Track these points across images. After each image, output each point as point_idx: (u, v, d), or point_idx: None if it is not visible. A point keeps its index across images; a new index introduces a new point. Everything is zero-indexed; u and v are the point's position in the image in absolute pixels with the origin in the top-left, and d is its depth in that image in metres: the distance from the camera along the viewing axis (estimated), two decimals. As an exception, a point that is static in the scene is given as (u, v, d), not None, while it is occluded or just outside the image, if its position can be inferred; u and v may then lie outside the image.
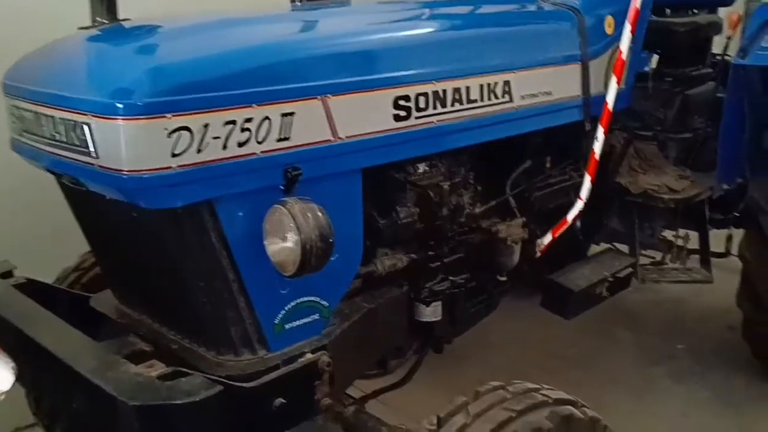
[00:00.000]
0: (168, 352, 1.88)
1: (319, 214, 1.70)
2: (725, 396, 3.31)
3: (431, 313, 2.31)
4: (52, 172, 1.84)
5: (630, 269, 2.89)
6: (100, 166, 1.58)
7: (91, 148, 1.57)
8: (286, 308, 1.86)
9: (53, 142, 1.69)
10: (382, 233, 2.17)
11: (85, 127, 1.57)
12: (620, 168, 3.08)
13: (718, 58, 3.46)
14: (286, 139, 1.72)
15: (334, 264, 1.92)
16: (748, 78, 2.77)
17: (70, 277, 2.50)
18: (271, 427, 1.78)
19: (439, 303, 2.31)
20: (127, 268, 2.00)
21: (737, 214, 3.18)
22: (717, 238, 3.34)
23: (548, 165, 2.73)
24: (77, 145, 1.61)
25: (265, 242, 1.72)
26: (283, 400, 1.78)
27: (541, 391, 1.81)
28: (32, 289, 2.07)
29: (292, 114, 1.72)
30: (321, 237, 1.67)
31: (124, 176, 1.54)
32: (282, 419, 1.79)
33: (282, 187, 1.75)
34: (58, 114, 1.64)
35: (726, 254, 3.38)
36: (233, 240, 1.72)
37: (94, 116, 1.54)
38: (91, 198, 1.76)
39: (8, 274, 2.10)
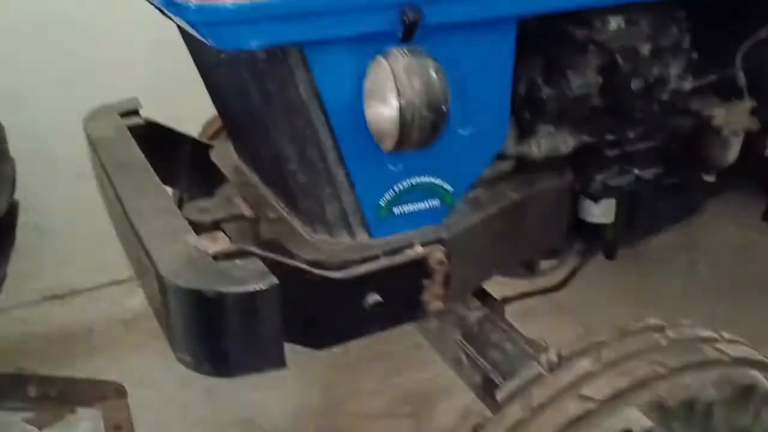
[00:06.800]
0: (266, 221, 1.65)
1: (432, 73, 1.29)
2: None
3: (601, 212, 1.82)
4: None
5: None
6: (169, -9, 1.28)
7: (159, -33, 1.28)
8: (395, 188, 1.50)
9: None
10: (545, 106, 1.69)
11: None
12: None
13: None
14: (403, -34, 1.29)
15: (466, 140, 1.53)
16: None
17: (214, 124, 2.35)
18: (361, 326, 1.50)
19: (613, 201, 1.81)
20: (231, 121, 1.75)
21: None
22: None
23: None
24: (150, -38, 1.33)
25: (365, 105, 1.36)
26: (379, 298, 1.48)
27: (717, 344, 1.31)
28: (151, 132, 1.91)
29: (415, -72, 1.27)
30: (428, 104, 1.27)
31: (192, 6, 1.23)
32: (375, 319, 1.50)
33: (399, 35, 1.35)
34: None
35: None
36: (329, 98, 1.37)
37: None
38: (190, 35, 1.49)
39: (132, 113, 1.96)
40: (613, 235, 1.90)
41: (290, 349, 2.51)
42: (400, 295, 1.52)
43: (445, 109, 1.29)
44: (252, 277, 1.22)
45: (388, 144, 1.32)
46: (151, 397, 2.41)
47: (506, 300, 2.04)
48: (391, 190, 1.50)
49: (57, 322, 2.81)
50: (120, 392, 2.27)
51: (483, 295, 1.95)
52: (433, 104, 1.27)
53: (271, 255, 1.34)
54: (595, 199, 1.80)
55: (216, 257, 1.29)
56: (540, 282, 2.15)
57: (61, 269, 2.93)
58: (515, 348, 1.68)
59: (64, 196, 2.80)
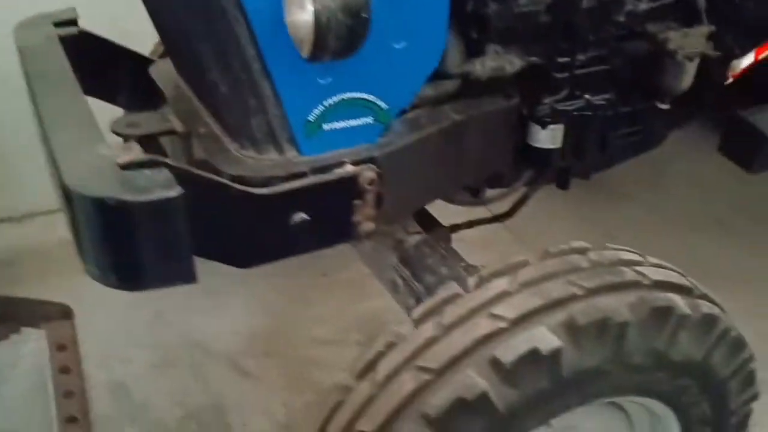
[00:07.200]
0: (196, 137, 1.59)
1: (350, -25, 1.22)
2: None
3: (548, 138, 1.76)
4: None
5: None
6: None
7: None
8: (325, 103, 1.44)
9: None
10: (491, 23, 1.62)
11: None
12: None
13: None
14: None
15: (399, 54, 1.47)
16: None
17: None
18: (287, 245, 1.47)
19: (561, 126, 1.76)
20: (163, 33, 1.68)
21: None
22: None
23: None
24: None
25: (285, 10, 1.29)
26: (306, 217, 1.44)
27: (638, 267, 1.28)
28: (86, 43, 1.83)
29: None
30: (344, 8, 1.21)
31: None
32: (302, 238, 1.46)
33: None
34: None
35: None
36: (250, 3, 1.30)
37: None
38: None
39: (68, 23, 1.87)
40: (561, 163, 1.86)
41: (241, 274, 2.46)
42: (328, 214, 1.48)
43: (364, 15, 1.23)
44: (156, 187, 1.18)
45: (306, 50, 1.26)
46: (99, 319, 2.39)
47: (454, 227, 2.01)
48: (320, 105, 1.45)
49: (10, 244, 2.78)
50: (65, 313, 2.26)
51: (429, 221, 1.92)
52: (350, 8, 1.21)
53: (184, 167, 1.29)
54: (543, 123, 1.75)
55: (126, 167, 1.24)
56: (495, 210, 2.13)
57: (15, 192, 2.87)
58: (451, 272, 1.65)
59: (15, 116, 2.72)
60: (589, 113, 1.78)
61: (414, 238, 1.74)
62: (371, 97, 1.48)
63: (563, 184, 2.02)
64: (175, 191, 1.18)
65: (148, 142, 1.84)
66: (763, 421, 2.16)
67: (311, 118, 1.45)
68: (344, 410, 1.24)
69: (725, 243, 2.80)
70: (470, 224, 2.05)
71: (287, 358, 2.37)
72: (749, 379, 1.39)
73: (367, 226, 1.53)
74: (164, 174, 1.21)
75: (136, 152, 1.28)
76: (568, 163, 1.88)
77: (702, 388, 1.33)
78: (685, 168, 3.04)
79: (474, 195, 1.92)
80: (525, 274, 1.23)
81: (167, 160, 1.27)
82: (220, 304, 2.54)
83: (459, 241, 2.71)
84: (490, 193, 1.99)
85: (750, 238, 2.82)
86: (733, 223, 2.90)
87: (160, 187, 1.18)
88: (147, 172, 1.22)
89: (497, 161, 1.80)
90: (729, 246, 2.78)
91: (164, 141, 1.77)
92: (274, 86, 1.40)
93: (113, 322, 2.42)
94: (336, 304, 2.55)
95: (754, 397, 1.43)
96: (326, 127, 1.47)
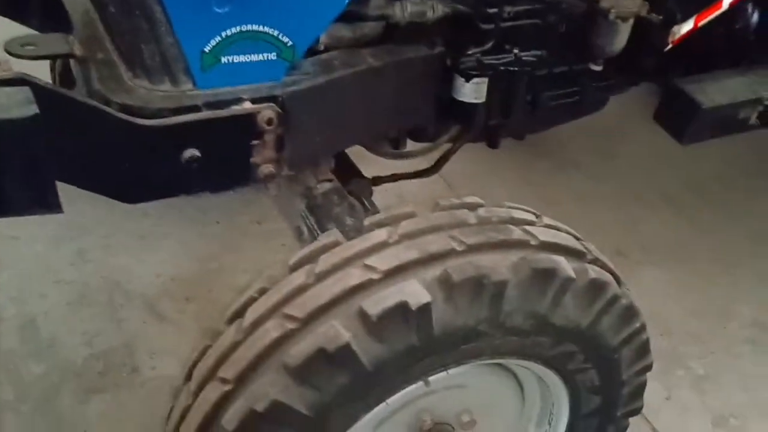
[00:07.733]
0: (93, 63, 1.50)
1: None
2: None
3: (471, 91, 1.70)
4: None
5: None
6: None
7: None
8: (222, 34, 1.36)
9: None
10: (415, -34, 1.55)
11: None
12: None
13: None
14: None
15: (306, -12, 1.38)
16: None
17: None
18: (177, 183, 1.40)
19: (485, 80, 1.69)
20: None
21: None
22: None
23: None
24: None
25: (170, -73, 1.20)
26: (197, 153, 1.37)
27: (528, 227, 1.23)
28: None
29: None
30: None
31: None
32: (195, 177, 1.39)
33: None
34: None
35: None
36: None
37: None
38: None
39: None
40: (489, 120, 1.79)
41: (173, 219, 2.38)
42: (222, 153, 1.41)
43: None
44: (11, 105, 1.10)
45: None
46: (18, 253, 2.33)
47: (376, 179, 1.95)
48: (217, 36, 1.36)
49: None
50: (-23, 244, 2.18)
51: (350, 171, 1.86)
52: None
53: (57, 88, 1.22)
54: (467, 76, 1.68)
55: (-10, 85, 1.16)
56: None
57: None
58: (355, 223, 1.59)
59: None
60: (517, 68, 1.72)
61: (324, 186, 1.68)
62: (273, 31, 1.40)
63: (493, 143, 1.96)
64: (29, 111, 1.10)
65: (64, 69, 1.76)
66: (678, 396, 2.17)
67: (207, 48, 1.36)
68: (210, 355, 1.18)
69: (670, 217, 2.76)
70: (393, 177, 1.99)
71: (207, 304, 2.31)
72: (642, 350, 1.35)
73: (266, 169, 1.46)
74: (24, 93, 1.13)
75: (5, 70, 1.20)
76: (496, 121, 1.82)
77: (588, 356, 1.29)
78: (638, 140, 2.98)
79: (394, 147, 1.85)
80: (407, 225, 1.18)
81: (37, 80, 1.19)
82: (148, 247, 2.47)
83: (398, 197, 2.66)
84: (417, 147, 1.93)
85: (695, 213, 2.79)
86: (681, 198, 2.86)
87: (15, 105, 1.10)
88: (7, 89, 1.14)
89: (417, 112, 1.73)
90: (673, 221, 2.75)
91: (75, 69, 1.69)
92: (166, 11, 1.31)
93: (33, 256, 2.35)
94: (266, 253, 2.49)
95: (647, 368, 1.39)
96: (225, 59, 1.39)
